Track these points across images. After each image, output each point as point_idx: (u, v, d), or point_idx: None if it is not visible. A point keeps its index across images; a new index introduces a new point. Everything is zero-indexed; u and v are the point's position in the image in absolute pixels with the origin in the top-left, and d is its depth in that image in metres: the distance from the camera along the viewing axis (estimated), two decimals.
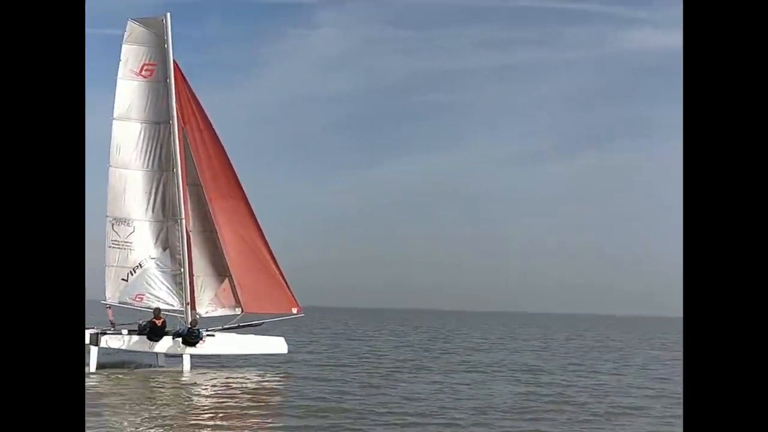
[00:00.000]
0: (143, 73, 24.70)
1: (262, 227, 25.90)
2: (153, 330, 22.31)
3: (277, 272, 25.93)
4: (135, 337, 22.65)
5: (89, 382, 20.24)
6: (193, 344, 22.68)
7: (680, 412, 7.18)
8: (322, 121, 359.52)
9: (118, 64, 24.70)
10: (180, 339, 22.72)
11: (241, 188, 25.69)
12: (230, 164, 25.61)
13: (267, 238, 25.96)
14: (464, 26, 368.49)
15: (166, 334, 22.59)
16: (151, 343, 22.58)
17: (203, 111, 25.41)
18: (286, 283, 26.10)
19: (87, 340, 22.60)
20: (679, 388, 16.04)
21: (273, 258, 25.90)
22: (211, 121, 25.56)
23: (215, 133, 25.52)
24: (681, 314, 6.33)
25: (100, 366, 22.31)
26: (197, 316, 24.33)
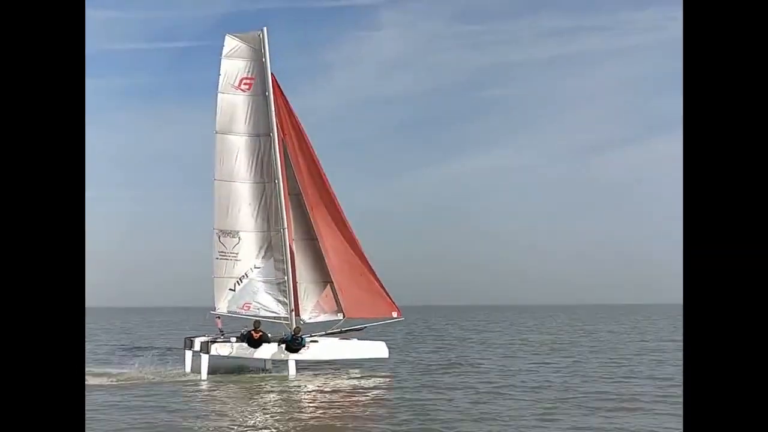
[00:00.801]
0: (242, 86, 25.61)
1: (355, 234, 26.53)
2: (249, 341, 23.36)
3: (374, 278, 26.54)
4: (244, 345, 23.71)
5: (203, 387, 21.48)
6: (296, 351, 23.54)
7: None
8: (387, 123, 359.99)
9: (217, 78, 25.72)
10: (284, 345, 23.63)
11: (335, 197, 26.33)
12: (324, 174, 26.30)
13: (361, 246, 26.62)
14: (526, 16, 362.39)
15: (268, 341, 23.53)
16: (254, 350, 23.58)
17: (298, 122, 26.15)
18: (383, 288, 26.69)
19: (198, 348, 23.91)
20: None
21: (368, 265, 26.50)
22: (305, 132, 26.30)
23: (310, 144, 26.24)
24: None
25: (212, 372, 23.50)
26: (301, 323, 25.26)
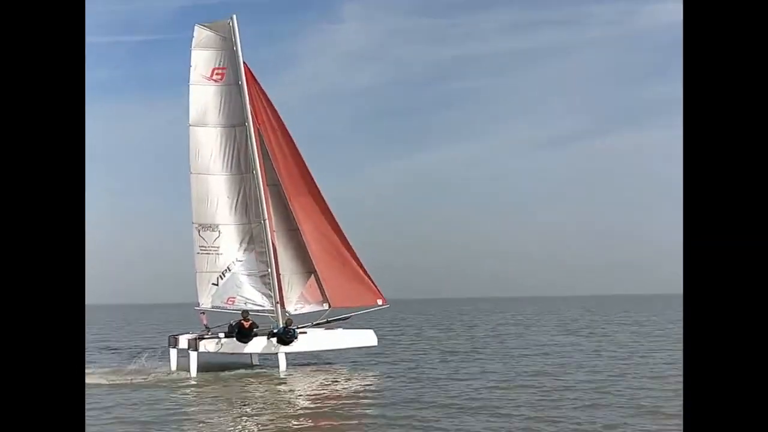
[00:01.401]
0: (214, 77, 25.13)
1: (338, 222, 26.30)
2: (241, 332, 22.98)
3: (358, 266, 26.33)
4: (232, 340, 23.31)
5: (191, 386, 21.03)
6: (288, 343, 23.24)
7: None
8: (350, 115, 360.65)
9: (188, 69, 25.20)
10: (275, 339, 23.29)
11: (316, 185, 26.05)
12: (304, 162, 25.97)
13: (344, 233, 26.39)
14: (488, 10, 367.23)
15: (256, 335, 23.17)
16: (247, 344, 23.19)
17: (275, 110, 25.78)
18: (368, 275, 26.51)
19: (186, 346, 23.43)
20: None
21: (352, 252, 26.29)
22: (283, 120, 25.96)
23: (288, 132, 25.90)
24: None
25: (199, 370, 23.03)
26: (286, 315, 24.94)
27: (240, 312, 23.98)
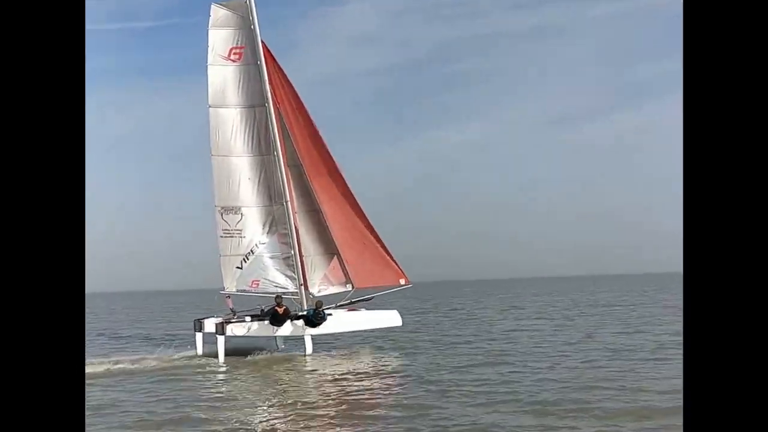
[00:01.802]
0: (232, 57, 24.78)
1: (359, 202, 26.09)
2: (275, 316, 22.84)
3: (380, 245, 26.19)
4: (260, 323, 23.21)
5: (221, 371, 20.97)
6: (317, 326, 23.17)
7: None
8: (356, 97, 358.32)
9: (206, 50, 24.83)
10: (302, 321, 23.20)
11: (336, 165, 25.80)
12: (323, 142, 25.71)
13: (365, 213, 26.19)
14: None
15: (289, 318, 23.07)
16: (275, 328, 23.11)
17: (294, 90, 25.45)
18: (390, 255, 26.38)
19: (213, 330, 23.34)
20: None
21: (374, 232, 26.13)
22: (302, 100, 25.63)
23: (307, 112, 25.60)
24: None
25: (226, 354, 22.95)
26: (310, 297, 24.85)
27: (267, 295, 23.90)
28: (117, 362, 22.01)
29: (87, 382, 17.60)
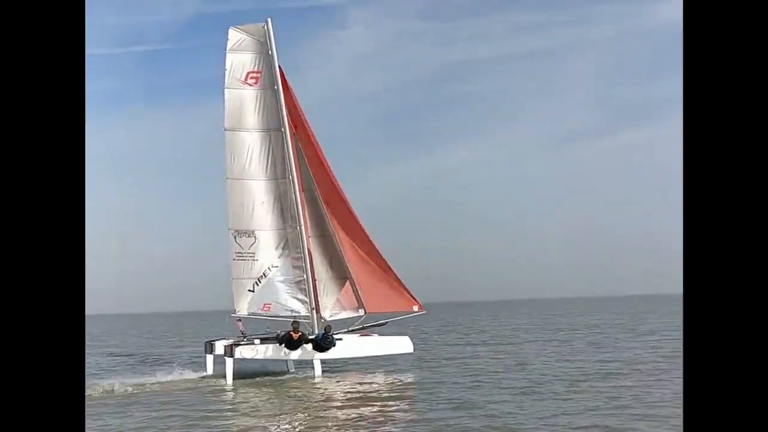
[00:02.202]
0: (249, 81, 25.11)
1: (367, 231, 26.13)
2: (289, 342, 22.94)
3: (391, 273, 26.23)
4: (268, 346, 23.31)
5: (228, 393, 21.06)
6: (325, 350, 23.20)
7: None
8: (357, 120, 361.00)
9: (224, 73, 25.20)
10: (311, 345, 23.25)
11: (342, 193, 25.90)
12: (330, 170, 25.86)
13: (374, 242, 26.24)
14: (493, 13, 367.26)
15: (307, 342, 23.14)
16: (286, 351, 23.18)
17: (305, 118, 25.69)
18: (401, 283, 26.40)
19: (222, 352, 23.49)
20: None
21: (383, 260, 26.18)
22: (311, 127, 25.85)
23: (315, 139, 25.81)
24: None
25: (234, 376, 23.04)
26: (322, 321, 24.93)
27: (278, 318, 24.04)
28: (110, 387, 22.07)
29: (92, 404, 18.10)
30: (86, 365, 28.43)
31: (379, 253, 26.02)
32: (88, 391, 19.35)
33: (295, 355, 23.50)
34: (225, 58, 24.99)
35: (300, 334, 23.12)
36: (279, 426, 15.54)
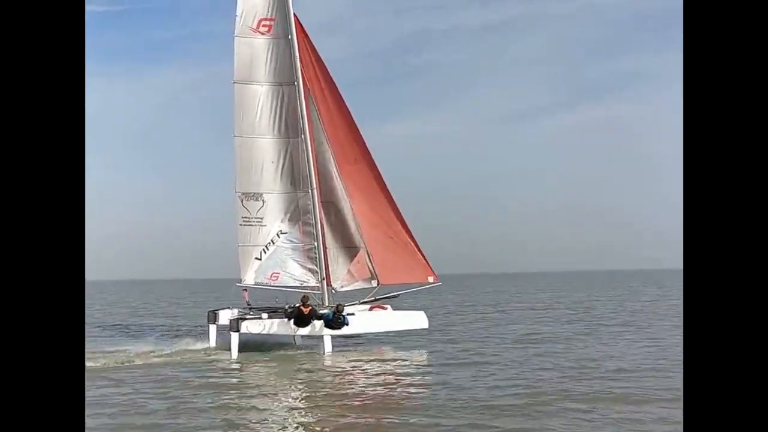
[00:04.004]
0: (261, 29, 23.29)
1: (391, 192, 24.75)
2: (299, 318, 21.65)
3: (410, 240, 24.91)
4: (276, 321, 22.08)
5: (233, 368, 20.01)
6: (336, 329, 22.01)
7: None
8: None
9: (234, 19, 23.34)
10: (322, 322, 22.05)
11: (369, 152, 24.45)
12: (356, 126, 24.36)
13: (397, 204, 24.87)
14: None
15: (318, 318, 21.90)
16: (295, 327, 21.95)
17: (326, 70, 24.01)
18: (420, 250, 25.10)
19: (226, 322, 22.34)
20: None
21: (405, 225, 24.85)
22: (334, 80, 24.17)
23: (339, 93, 24.17)
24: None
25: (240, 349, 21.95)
26: (332, 292, 23.74)
27: (286, 289, 22.85)
28: (112, 352, 21.15)
29: (91, 375, 17.16)
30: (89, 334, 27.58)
31: (402, 218, 24.65)
32: (89, 363, 18.66)
33: (305, 331, 22.28)
34: (236, 4, 23.10)
35: (310, 308, 21.86)
36: (286, 405, 14.87)
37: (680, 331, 17.39)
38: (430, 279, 25.14)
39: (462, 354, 22.26)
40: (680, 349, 7.43)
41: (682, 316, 6.57)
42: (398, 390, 16.37)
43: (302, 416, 13.85)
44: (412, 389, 16.36)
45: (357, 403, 14.90)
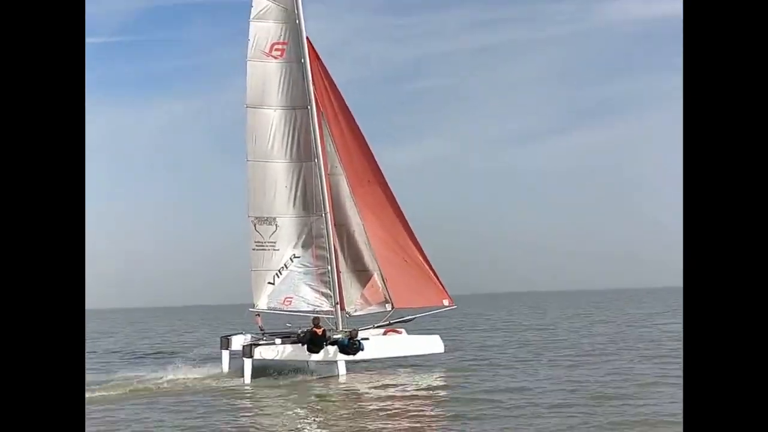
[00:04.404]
0: (273, 53, 23.40)
1: (404, 214, 24.66)
2: (313, 340, 21.52)
3: (425, 262, 24.76)
4: (289, 347, 21.95)
5: (246, 394, 19.86)
6: (351, 354, 21.83)
7: None
8: None
9: (246, 44, 23.45)
10: (336, 347, 21.87)
11: (382, 174, 24.42)
12: (369, 148, 24.37)
13: (410, 226, 24.77)
14: (449, 9, 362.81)
15: (324, 343, 21.76)
16: (309, 353, 21.79)
17: (339, 92, 24.02)
18: (435, 273, 24.95)
19: (239, 348, 22.22)
20: None
21: (419, 247, 24.73)
22: (347, 103, 24.19)
23: (352, 116, 24.21)
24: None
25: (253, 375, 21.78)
26: (346, 317, 23.61)
27: (299, 313, 22.70)
28: (122, 383, 20.98)
29: (96, 404, 17.09)
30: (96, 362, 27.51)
31: (416, 241, 24.54)
32: (98, 391, 18.79)
33: (319, 357, 22.09)
34: (248, 28, 23.22)
35: (323, 330, 21.74)
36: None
37: None
38: (445, 302, 24.98)
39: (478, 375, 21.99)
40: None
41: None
42: (414, 414, 16.15)
43: None
44: (427, 415, 16.15)
45: (371, 427, 14.69)
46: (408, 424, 15.10)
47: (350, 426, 14.83)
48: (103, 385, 20.27)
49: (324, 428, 15.14)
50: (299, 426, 15.36)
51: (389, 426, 14.84)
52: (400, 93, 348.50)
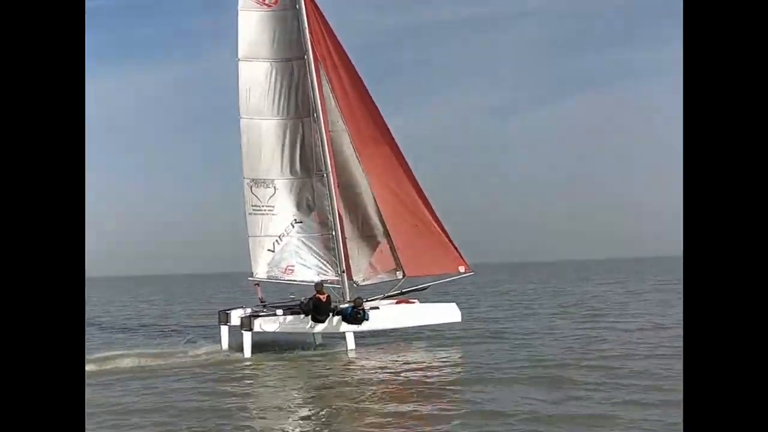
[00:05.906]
0: (267, 1, 21.69)
1: (416, 176, 22.95)
2: (317, 307, 19.94)
3: (438, 227, 23.07)
4: (291, 318, 20.38)
5: (247, 369, 18.41)
6: (357, 324, 20.24)
7: None
8: None
9: None
10: (341, 317, 20.30)
11: (389, 131, 22.70)
12: (374, 104, 22.61)
13: (422, 188, 23.06)
14: None
15: (333, 311, 20.20)
16: (313, 323, 20.23)
17: (338, 42, 22.30)
18: (449, 238, 23.25)
19: (238, 323, 20.68)
20: None
21: (432, 211, 23.03)
22: (348, 54, 22.47)
23: (354, 69, 22.46)
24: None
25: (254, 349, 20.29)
26: (354, 286, 22.03)
27: (302, 283, 21.17)
28: (119, 356, 19.58)
29: (87, 382, 15.65)
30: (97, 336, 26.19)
31: (429, 204, 22.84)
32: (94, 366, 17.86)
33: (323, 327, 20.50)
34: None
35: (327, 295, 20.20)
36: (302, 406, 13.59)
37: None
38: (461, 269, 23.29)
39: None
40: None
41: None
42: (427, 396, 14.58)
43: (321, 420, 12.49)
44: (444, 396, 14.53)
45: (376, 407, 13.43)
46: (412, 407, 13.50)
47: (355, 406, 13.53)
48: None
49: (326, 408, 13.73)
50: (297, 405, 14.22)
51: (390, 408, 13.37)
52: (382, 63, 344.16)
